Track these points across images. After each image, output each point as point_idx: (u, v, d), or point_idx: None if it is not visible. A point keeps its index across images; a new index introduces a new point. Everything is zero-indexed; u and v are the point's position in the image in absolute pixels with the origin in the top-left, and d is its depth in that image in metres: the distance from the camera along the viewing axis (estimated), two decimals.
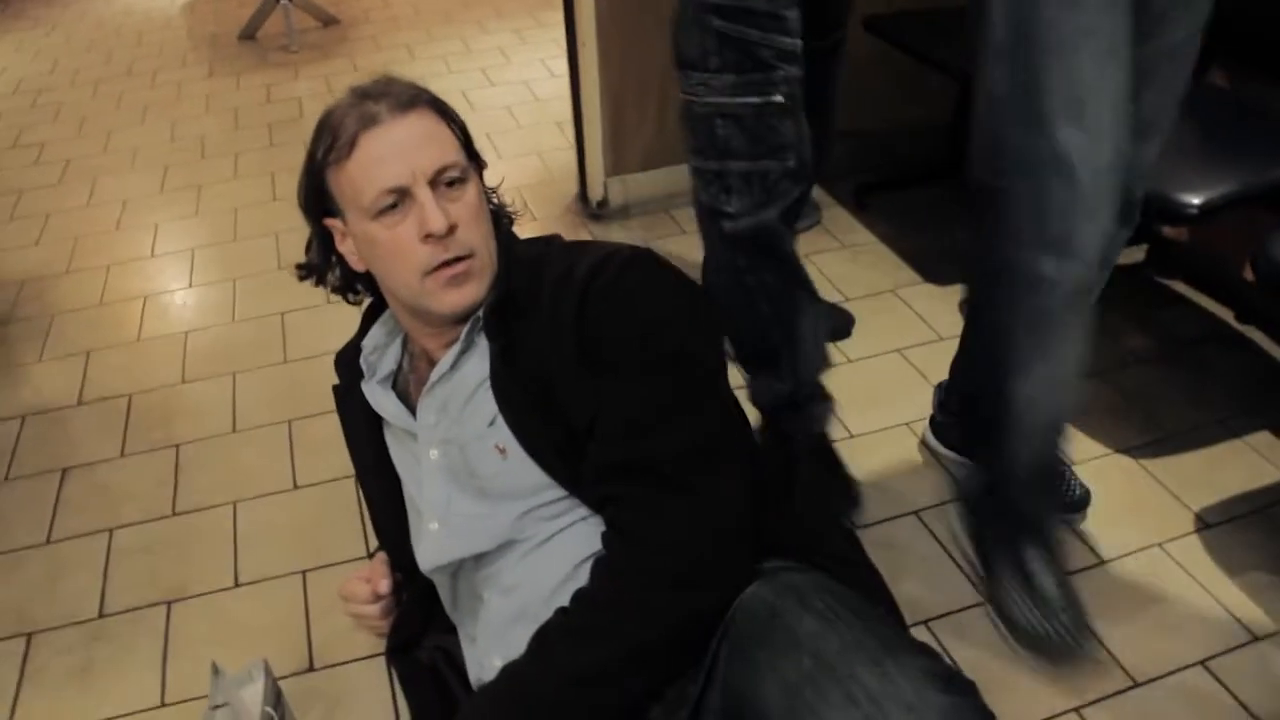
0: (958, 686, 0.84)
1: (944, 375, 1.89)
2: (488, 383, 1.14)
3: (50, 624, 1.70)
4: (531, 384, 1.10)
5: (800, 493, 1.30)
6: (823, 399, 1.77)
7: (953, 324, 2.24)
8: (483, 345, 1.16)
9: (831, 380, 1.76)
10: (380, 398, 1.26)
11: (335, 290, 1.27)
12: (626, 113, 2.67)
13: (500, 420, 1.13)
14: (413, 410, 1.23)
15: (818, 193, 2.79)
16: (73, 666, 1.63)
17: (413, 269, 1.12)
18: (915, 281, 2.45)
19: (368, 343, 1.29)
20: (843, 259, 2.57)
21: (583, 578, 1.09)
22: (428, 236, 1.09)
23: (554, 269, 1.14)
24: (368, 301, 1.31)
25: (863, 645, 0.88)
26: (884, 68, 2.76)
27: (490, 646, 1.17)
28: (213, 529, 1.88)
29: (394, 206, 1.10)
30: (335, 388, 1.33)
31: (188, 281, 2.71)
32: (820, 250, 2.60)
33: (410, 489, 1.28)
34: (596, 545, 1.11)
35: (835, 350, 2.21)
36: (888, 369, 2.17)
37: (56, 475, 2.04)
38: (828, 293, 2.40)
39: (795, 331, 1.64)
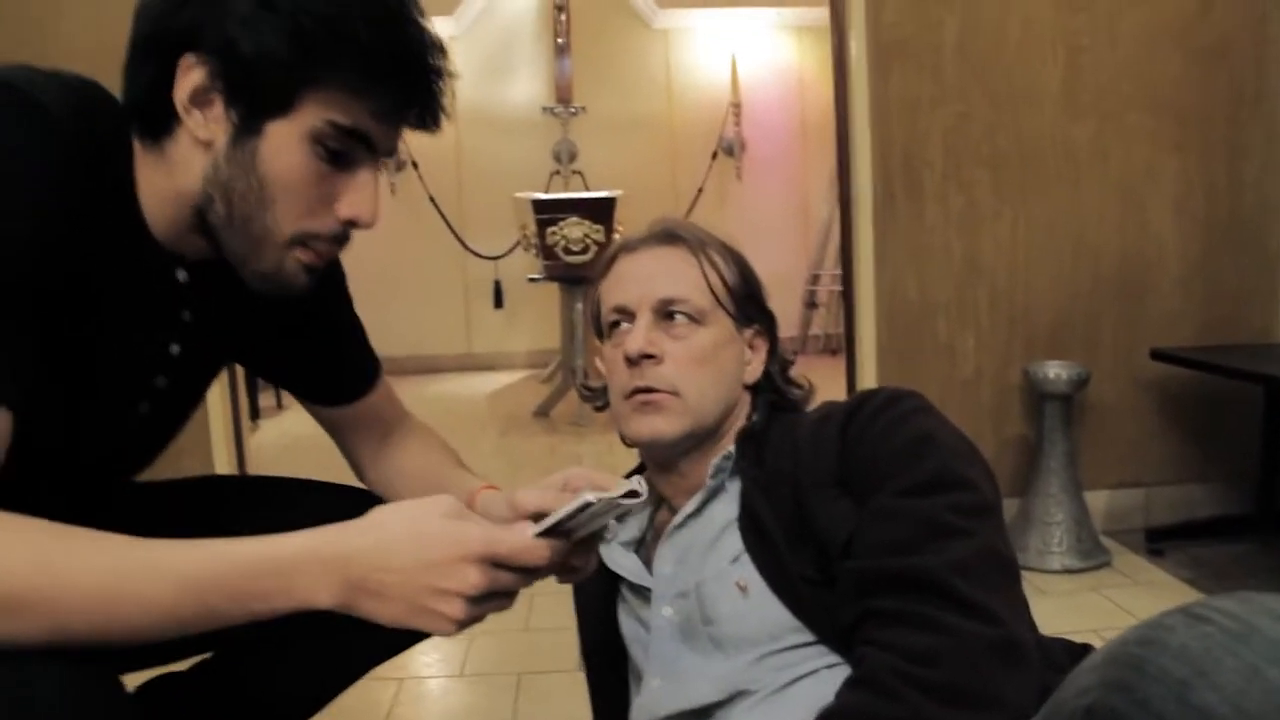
0: None
1: None
2: (735, 524, 1.06)
3: None
4: (783, 511, 1.02)
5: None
6: None
7: None
8: (732, 490, 1.09)
9: None
10: (619, 557, 1.19)
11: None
12: None
13: (745, 557, 1.04)
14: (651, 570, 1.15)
15: (1106, 540, 2.55)
16: None
17: (617, 390, 1.11)
18: None
19: None
20: (1136, 593, 2.29)
21: None
22: (626, 359, 1.09)
23: (816, 411, 1.11)
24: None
25: None
26: (1175, 411, 2.64)
27: None
28: None
29: (618, 326, 1.12)
30: None
31: None
32: (1111, 585, 2.34)
33: (637, 656, 1.17)
34: None
35: None
36: None
37: None
38: (1120, 620, 2.12)
39: None
